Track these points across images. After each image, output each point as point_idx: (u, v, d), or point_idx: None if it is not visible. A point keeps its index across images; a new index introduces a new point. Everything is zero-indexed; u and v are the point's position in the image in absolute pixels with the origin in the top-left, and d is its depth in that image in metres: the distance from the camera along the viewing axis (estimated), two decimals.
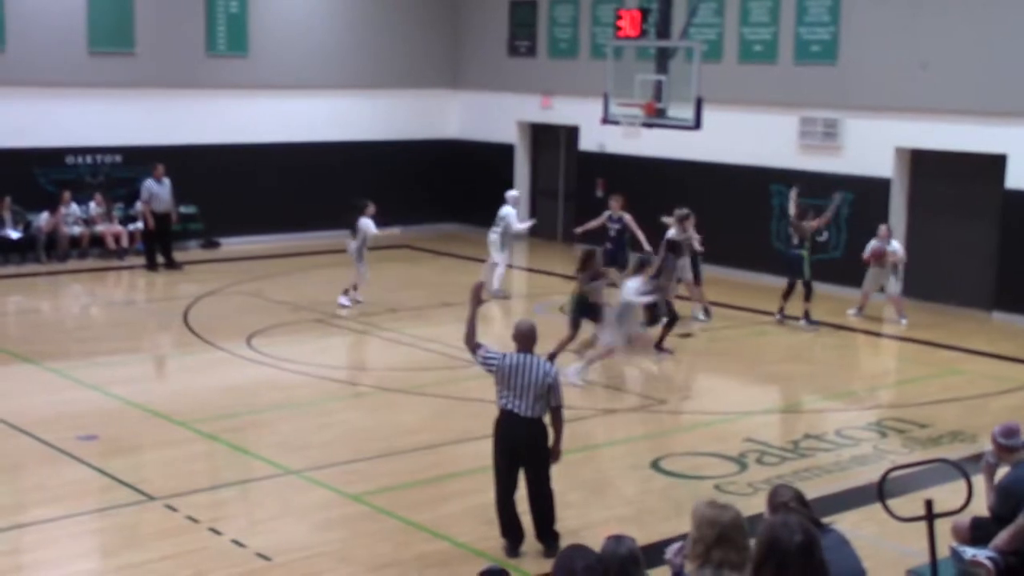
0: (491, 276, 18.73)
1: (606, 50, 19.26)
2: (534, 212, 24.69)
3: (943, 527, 7.88)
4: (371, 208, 17.91)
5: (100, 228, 21.57)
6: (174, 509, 9.93)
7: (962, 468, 8.03)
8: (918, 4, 18.71)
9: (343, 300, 17.95)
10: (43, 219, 21.03)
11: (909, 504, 8.49)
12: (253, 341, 15.82)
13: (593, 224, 18.81)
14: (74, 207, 21.37)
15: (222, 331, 16.29)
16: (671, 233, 16.87)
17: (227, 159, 23.06)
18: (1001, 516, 7.80)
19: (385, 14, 24.87)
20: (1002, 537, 7.59)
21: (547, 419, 8.99)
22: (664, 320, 15.64)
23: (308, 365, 14.97)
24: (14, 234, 20.80)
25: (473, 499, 10.08)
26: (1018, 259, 17.98)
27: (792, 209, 17.56)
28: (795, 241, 17.34)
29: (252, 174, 23.32)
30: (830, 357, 16.22)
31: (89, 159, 21.90)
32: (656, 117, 17.42)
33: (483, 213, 24.08)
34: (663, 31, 18.00)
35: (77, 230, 21.38)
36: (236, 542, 9.30)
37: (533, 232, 22.09)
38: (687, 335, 16.71)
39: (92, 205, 21.58)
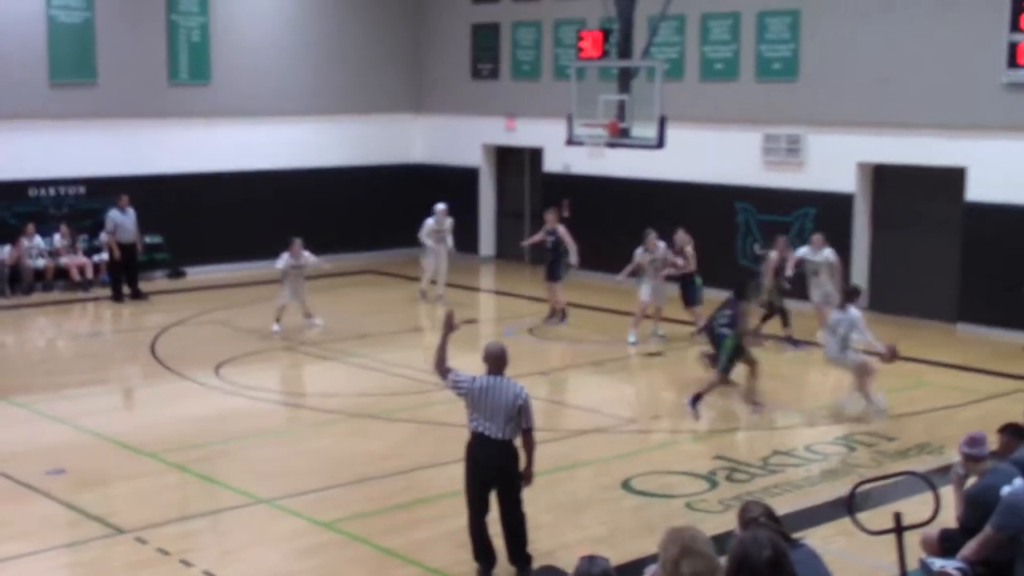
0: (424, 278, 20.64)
1: (569, 71, 19.35)
2: (500, 234, 24.75)
3: (912, 539, 7.94)
4: (295, 244, 18.00)
5: (65, 260, 21.45)
6: (144, 542, 9.86)
7: (929, 480, 8.10)
8: (876, 20, 18.91)
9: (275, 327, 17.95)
10: (5, 252, 20.90)
11: (878, 517, 8.55)
12: (221, 370, 15.76)
13: (536, 238, 19.73)
14: (38, 239, 21.25)
15: (190, 361, 16.22)
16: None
17: (192, 188, 22.99)
18: (969, 526, 7.86)
19: (347, 40, 24.92)
20: (970, 547, 7.64)
21: (519, 441, 9.00)
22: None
23: (277, 393, 14.94)
24: None
25: (445, 524, 10.07)
26: (980, 271, 18.16)
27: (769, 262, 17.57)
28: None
29: (217, 202, 23.25)
30: (797, 373, 16.31)
31: (52, 191, 21.80)
32: (620, 137, 17.48)
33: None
34: (625, 51, 18.10)
35: (41, 262, 21.26)
36: (208, 573, 9.25)
37: (500, 254, 22.19)
38: (655, 354, 16.77)
39: (57, 237, 21.47)
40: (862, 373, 13.71)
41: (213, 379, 15.35)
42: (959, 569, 7.64)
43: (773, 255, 17.61)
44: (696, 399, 13.76)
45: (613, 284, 19.29)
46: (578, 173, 22.68)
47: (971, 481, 8.14)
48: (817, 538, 9.15)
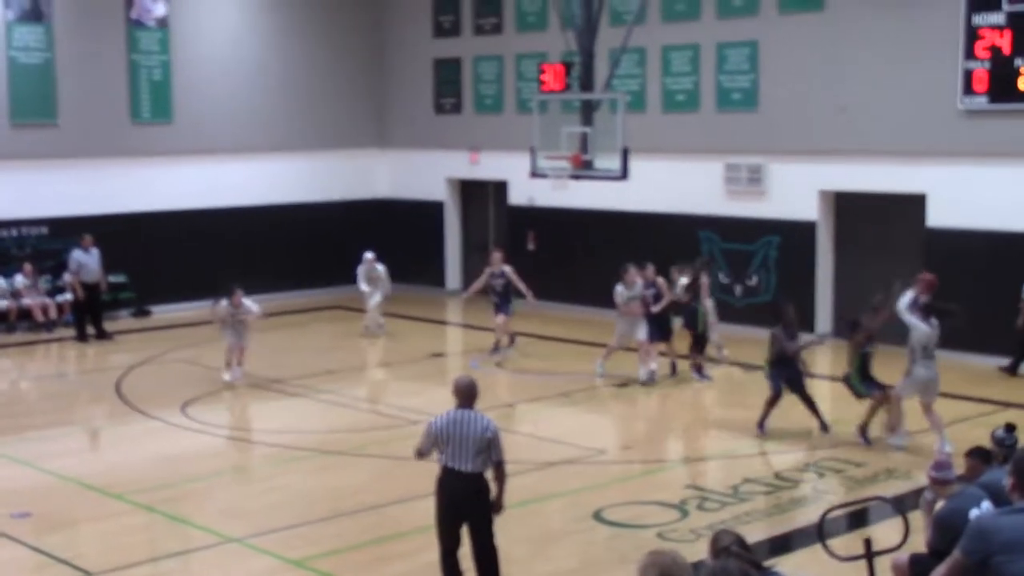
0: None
1: (531, 104, 19.48)
2: (466, 268, 24.76)
3: (883, 564, 7.99)
4: (236, 293, 17.29)
5: (28, 301, 21.29)
6: None
7: (898, 505, 8.15)
8: (834, 49, 19.14)
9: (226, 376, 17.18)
10: None
11: (849, 543, 8.60)
12: (188, 409, 15.66)
13: (478, 284, 19.22)
14: (0, 281, 21.10)
15: (156, 400, 16.11)
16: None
17: (155, 226, 22.90)
18: (939, 550, 7.89)
19: (310, 76, 24.95)
20: (939, 571, 7.66)
21: (489, 474, 8.99)
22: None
23: (245, 431, 14.86)
24: None
25: (418, 558, 10.04)
26: (942, 295, 18.28)
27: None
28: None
29: (181, 241, 23.17)
30: (763, 400, 16.34)
31: (15, 232, 21.66)
32: (583, 169, 17.59)
33: (416, 272, 24.18)
34: (587, 83, 18.23)
35: (4, 304, 21.09)
36: None
37: (466, 287, 22.17)
38: (624, 384, 16.80)
39: (19, 278, 21.31)
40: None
41: (180, 418, 15.25)
42: None
43: (684, 280, 17.34)
44: (864, 429, 13.68)
45: (579, 315, 19.37)
46: (543, 205, 22.76)
47: (940, 505, 8.20)
48: (789, 565, 9.19)
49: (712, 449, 14.02)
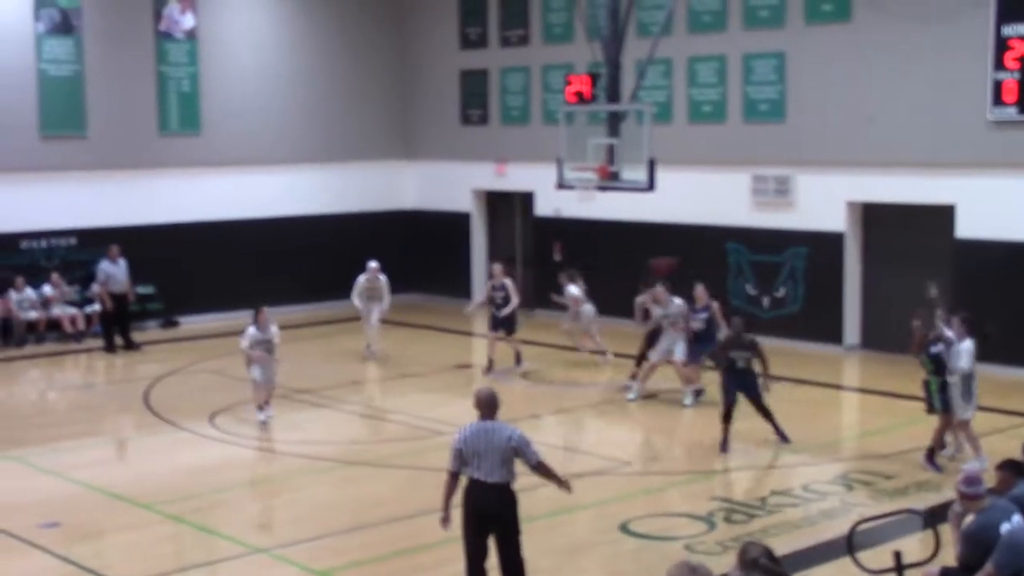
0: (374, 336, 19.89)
1: (558, 116, 19.46)
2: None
3: None
4: (263, 312, 15.73)
5: (56, 312, 21.42)
6: None
7: (929, 518, 8.08)
8: (862, 60, 19.06)
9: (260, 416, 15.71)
10: None
11: (878, 556, 8.54)
12: (216, 420, 15.71)
13: (480, 298, 19.60)
14: (29, 291, 21.23)
15: (184, 411, 16.16)
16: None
17: (183, 237, 23.02)
18: (969, 564, 7.84)
19: (337, 87, 25.05)
20: None
21: (515, 485, 8.97)
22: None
23: (272, 441, 14.87)
24: None
25: (443, 570, 10.02)
26: (970, 307, 18.17)
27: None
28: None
29: (209, 252, 23.27)
30: (792, 412, 16.25)
31: (44, 243, 21.80)
32: (610, 180, 17.55)
33: (442, 282, 24.23)
34: (613, 95, 18.19)
35: (33, 314, 21.22)
36: None
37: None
38: (650, 396, 16.71)
39: (48, 288, 21.44)
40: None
41: (208, 428, 15.29)
42: None
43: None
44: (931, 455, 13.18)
45: (605, 327, 19.33)
46: (569, 216, 22.74)
47: (969, 519, 8.13)
48: None
49: (739, 461, 13.94)
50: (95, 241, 21.63)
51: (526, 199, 24.42)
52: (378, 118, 25.70)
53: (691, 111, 21.31)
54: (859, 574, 7.98)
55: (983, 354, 15.54)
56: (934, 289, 14.37)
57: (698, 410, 16.13)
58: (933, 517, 8.46)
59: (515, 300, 18.58)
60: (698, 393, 16.42)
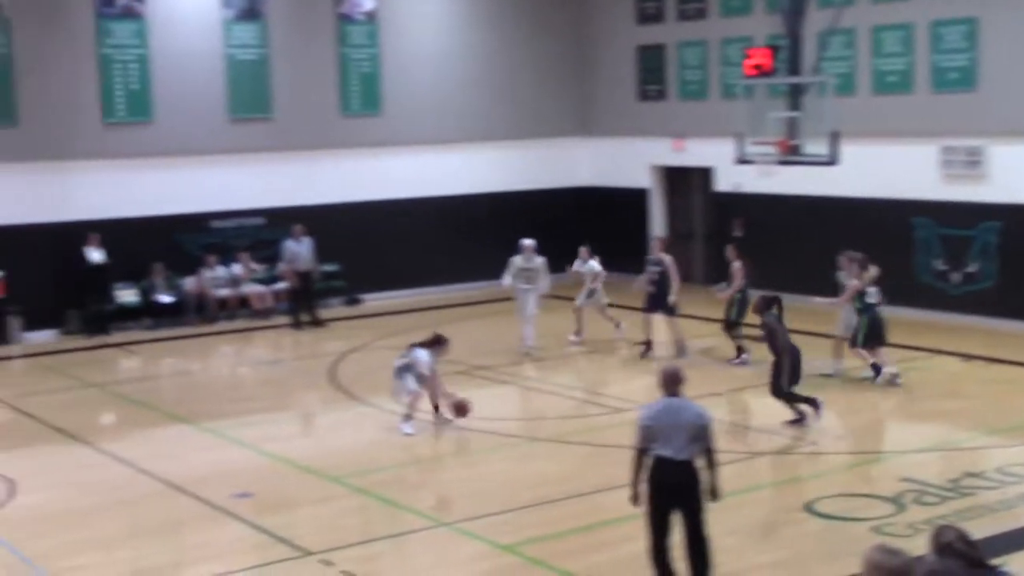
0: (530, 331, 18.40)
1: (737, 90, 19.15)
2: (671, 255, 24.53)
3: None
4: (441, 345, 14.69)
5: (246, 289, 22.13)
6: (329, 564, 10.05)
7: None
8: None
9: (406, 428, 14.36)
10: (189, 283, 21.69)
11: None
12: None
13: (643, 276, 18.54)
14: (220, 270, 21.98)
15: (369, 386, 16.50)
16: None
17: (365, 216, 23.49)
18: None
19: (513, 65, 25.15)
20: None
21: (700, 463, 8.89)
22: None
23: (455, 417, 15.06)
24: (166, 298, 21.48)
25: (624, 547, 10.00)
26: None
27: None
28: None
29: (390, 230, 23.69)
30: (986, 392, 15.71)
31: (233, 223, 22.52)
32: (791, 154, 17.21)
33: (620, 259, 24.07)
34: (794, 67, 17.81)
35: (224, 292, 21.97)
36: None
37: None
38: (830, 375, 16.31)
39: (238, 267, 22.17)
40: None
41: (392, 404, 15.55)
42: None
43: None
44: None
45: (787, 304, 18.97)
46: (749, 192, 22.38)
47: None
48: (1018, 564, 8.80)
49: (928, 441, 13.53)
50: (282, 220, 22.23)
51: (705, 174, 24.13)
52: (555, 95, 25.73)
53: (875, 82, 20.70)
54: None
55: None
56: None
57: (883, 389, 15.69)
58: None
59: (675, 279, 17.87)
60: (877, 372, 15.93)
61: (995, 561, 7.40)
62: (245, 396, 16.91)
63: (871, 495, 11.43)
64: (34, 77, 20.50)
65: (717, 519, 9.40)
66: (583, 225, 25.57)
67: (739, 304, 17.30)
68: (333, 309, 22.71)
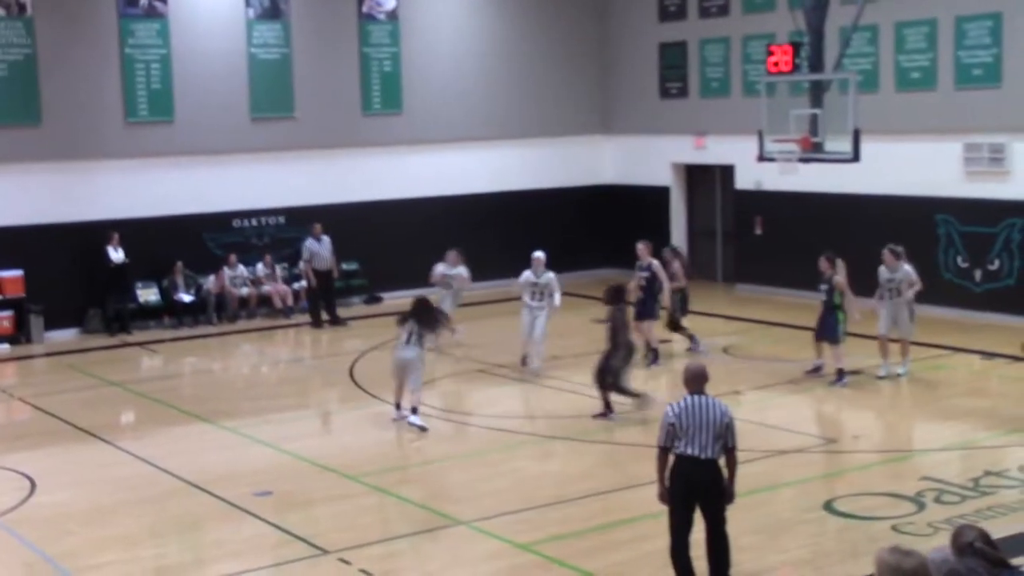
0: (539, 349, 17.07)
1: (759, 87, 19.06)
2: (692, 254, 24.49)
3: None
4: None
5: (267, 288, 22.19)
6: (347, 562, 10.06)
7: None
8: None
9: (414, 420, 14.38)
10: (210, 282, 21.76)
11: None
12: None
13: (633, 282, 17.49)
14: (241, 268, 22.04)
15: (388, 385, 16.43)
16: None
17: (386, 215, 23.51)
18: None
19: (534, 63, 25.13)
20: None
21: (722, 461, 8.86)
22: None
23: (472, 416, 15.07)
24: (187, 297, 21.56)
25: (644, 546, 9.98)
26: None
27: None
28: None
29: (410, 229, 23.70)
30: (1009, 390, 15.62)
31: (254, 222, 22.58)
32: (813, 151, 17.12)
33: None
34: (816, 64, 17.71)
35: (245, 291, 22.03)
36: None
37: (690, 274, 21.58)
38: (855, 372, 16.24)
39: (259, 266, 22.23)
40: None
41: (406, 401, 15.55)
42: None
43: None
44: None
45: (807, 301, 18.89)
46: (770, 189, 22.30)
47: None
48: None
49: (949, 439, 13.44)
50: (303, 219, 22.27)
51: (726, 172, 24.06)
52: (576, 93, 25.69)
53: (898, 78, 20.59)
54: None
55: None
56: None
57: (904, 386, 15.61)
58: None
59: (665, 284, 17.23)
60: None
61: (1016, 561, 7.34)
62: (265, 395, 16.94)
63: (891, 494, 11.37)
64: (57, 77, 20.60)
65: (736, 518, 9.36)
66: (604, 223, 25.56)
67: (680, 301, 17.84)
68: (353, 308, 22.75)
